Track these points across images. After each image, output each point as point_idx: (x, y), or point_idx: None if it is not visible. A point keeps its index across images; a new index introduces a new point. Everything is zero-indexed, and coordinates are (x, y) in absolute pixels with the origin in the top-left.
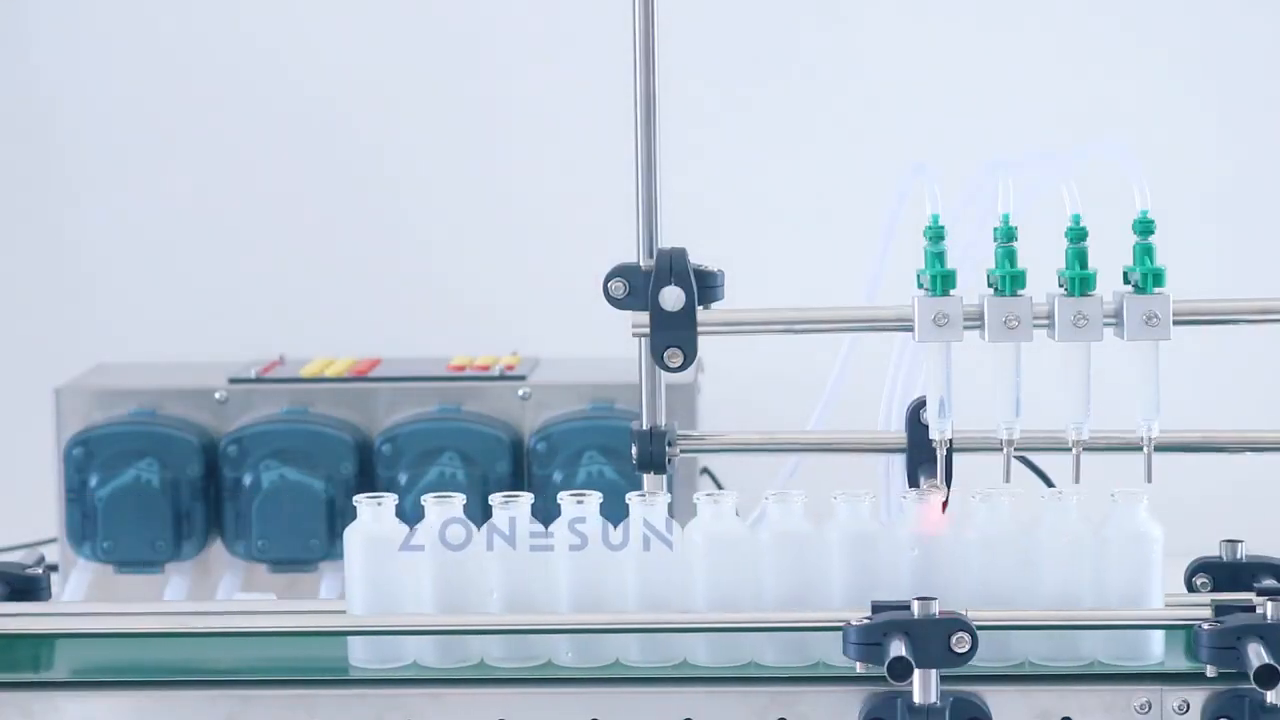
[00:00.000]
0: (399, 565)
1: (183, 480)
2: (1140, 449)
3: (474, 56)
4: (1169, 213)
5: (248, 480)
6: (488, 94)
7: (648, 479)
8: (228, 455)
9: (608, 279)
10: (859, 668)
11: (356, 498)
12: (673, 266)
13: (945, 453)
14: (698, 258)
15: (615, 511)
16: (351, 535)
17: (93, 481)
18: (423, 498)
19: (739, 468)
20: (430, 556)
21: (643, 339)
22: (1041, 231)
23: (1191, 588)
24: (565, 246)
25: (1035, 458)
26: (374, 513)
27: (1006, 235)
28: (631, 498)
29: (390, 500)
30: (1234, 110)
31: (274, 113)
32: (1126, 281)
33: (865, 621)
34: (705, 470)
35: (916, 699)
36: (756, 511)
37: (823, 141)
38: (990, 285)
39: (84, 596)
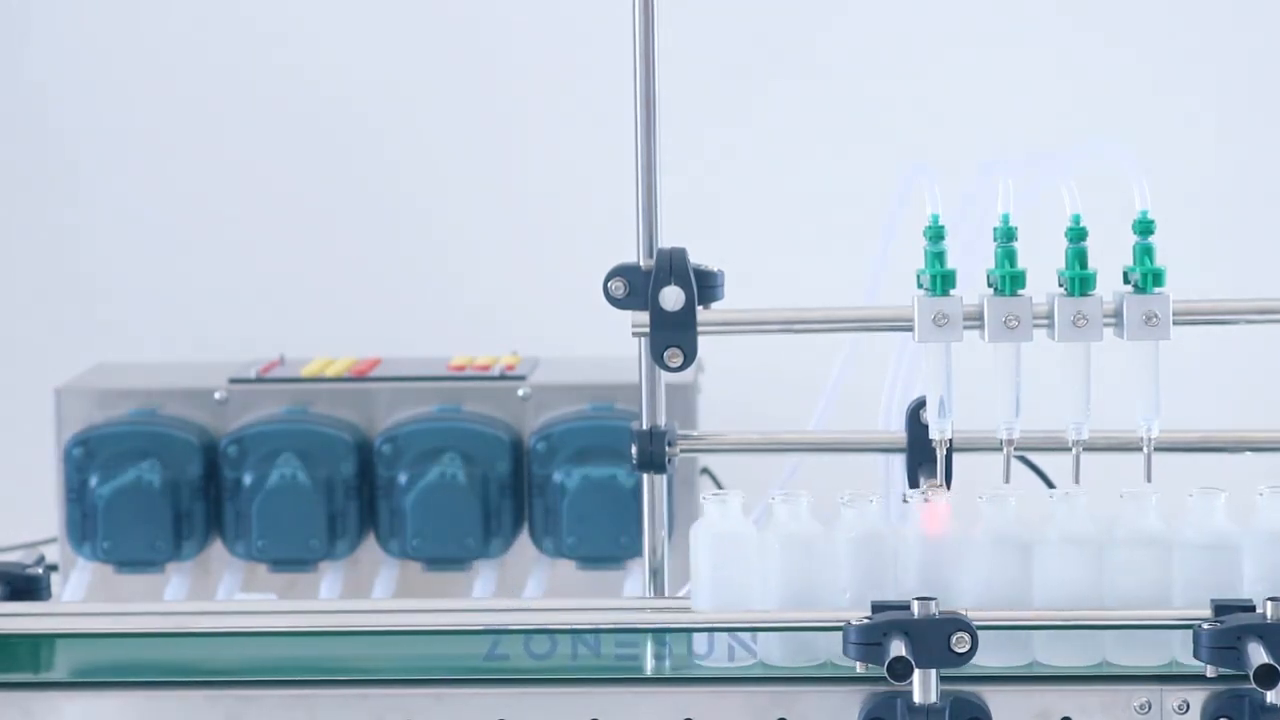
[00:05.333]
0: (746, 562)
1: (183, 480)
2: (1140, 449)
3: (473, 57)
4: (1169, 213)
5: (248, 480)
6: (487, 94)
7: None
8: (228, 455)
9: (608, 279)
10: (859, 668)
11: (703, 495)
12: (673, 266)
13: (945, 453)
14: (698, 258)
15: (617, 511)
16: (698, 532)
17: (93, 481)
18: (770, 496)
19: (739, 468)
20: (778, 554)
21: (643, 339)
22: (1041, 231)
23: None
24: (565, 246)
25: (1035, 458)
26: (720, 510)
27: (1006, 235)
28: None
29: (736, 497)
30: (1234, 109)
31: (274, 113)
32: (1126, 281)
33: (865, 621)
34: (705, 470)
35: (916, 699)
36: (757, 510)
37: (822, 141)
38: (990, 285)
39: (84, 596)
